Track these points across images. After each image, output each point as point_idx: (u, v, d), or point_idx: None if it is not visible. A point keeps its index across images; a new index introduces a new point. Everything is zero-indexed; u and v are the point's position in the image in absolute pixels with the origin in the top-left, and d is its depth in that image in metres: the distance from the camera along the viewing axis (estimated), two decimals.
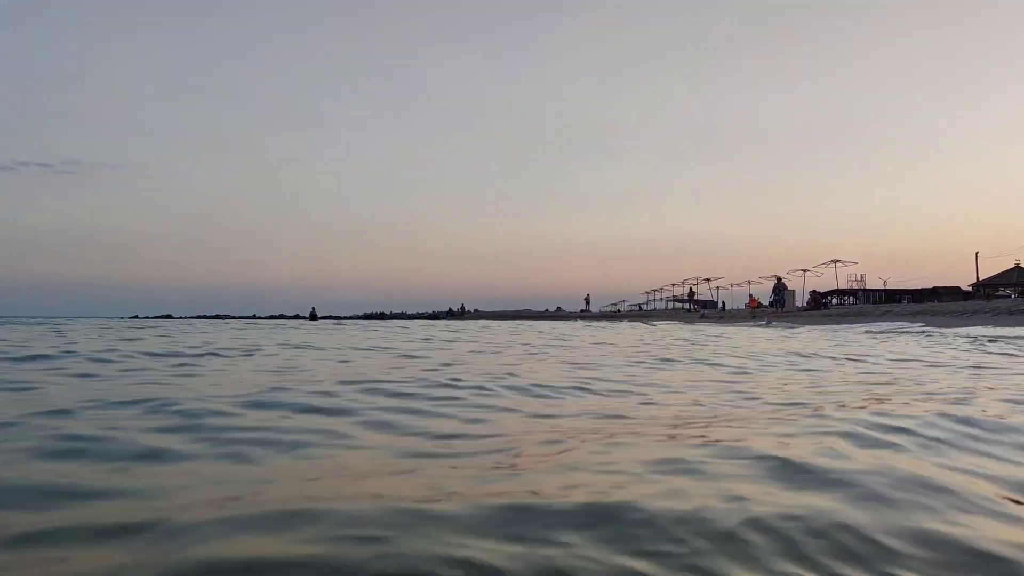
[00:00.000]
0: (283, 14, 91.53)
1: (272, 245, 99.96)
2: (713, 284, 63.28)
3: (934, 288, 51.30)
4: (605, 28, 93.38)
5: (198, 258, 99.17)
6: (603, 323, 41.79)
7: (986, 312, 29.71)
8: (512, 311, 70.25)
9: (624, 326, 32.06)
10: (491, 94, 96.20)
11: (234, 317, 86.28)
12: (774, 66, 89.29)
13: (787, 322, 33.87)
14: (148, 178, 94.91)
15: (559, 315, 66.81)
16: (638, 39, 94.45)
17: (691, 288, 62.66)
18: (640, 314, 66.90)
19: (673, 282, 69.49)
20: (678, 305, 66.51)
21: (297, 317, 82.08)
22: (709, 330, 22.75)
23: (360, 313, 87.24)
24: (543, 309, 72.34)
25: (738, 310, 52.80)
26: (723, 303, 61.73)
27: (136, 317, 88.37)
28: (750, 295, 52.03)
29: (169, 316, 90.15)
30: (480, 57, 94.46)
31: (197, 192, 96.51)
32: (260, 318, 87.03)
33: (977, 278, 49.83)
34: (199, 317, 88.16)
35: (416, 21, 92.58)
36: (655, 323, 38.21)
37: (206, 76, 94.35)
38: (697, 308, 57.44)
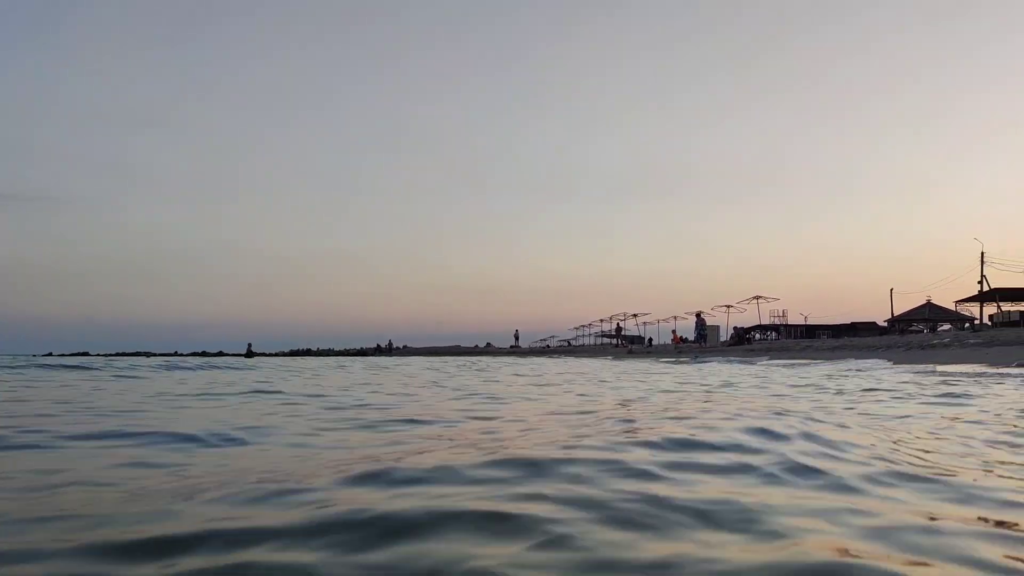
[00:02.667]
0: (225, 48, 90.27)
1: (192, 280, 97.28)
2: (640, 319, 63.92)
3: (852, 323, 52.69)
4: (532, 71, 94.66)
5: (115, 293, 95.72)
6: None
7: (900, 347, 30.48)
8: (442, 347, 69.60)
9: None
10: (419, 129, 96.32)
11: (154, 354, 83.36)
12: (701, 109, 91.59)
13: (708, 357, 34.18)
14: (63, 211, 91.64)
15: (489, 351, 66.44)
16: (569, 84, 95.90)
17: (619, 324, 63.14)
18: (569, 349, 66.97)
19: (601, 317, 69.95)
20: (606, 340, 66.84)
21: (221, 354, 79.81)
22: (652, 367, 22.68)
23: (287, 350, 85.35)
24: (473, 345, 71.89)
25: (664, 345, 53.23)
26: (650, 338, 62.25)
27: (50, 355, 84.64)
28: (673, 331, 52.90)
29: (86, 353, 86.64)
30: (416, 93, 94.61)
31: (114, 226, 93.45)
32: (183, 355, 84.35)
33: (892, 314, 51.34)
34: (118, 354, 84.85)
35: (345, 55, 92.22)
36: (599, 359, 38.14)
37: (125, 107, 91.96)
38: (625, 343, 57.75)
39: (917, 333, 42.16)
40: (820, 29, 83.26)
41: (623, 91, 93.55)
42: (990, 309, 44.81)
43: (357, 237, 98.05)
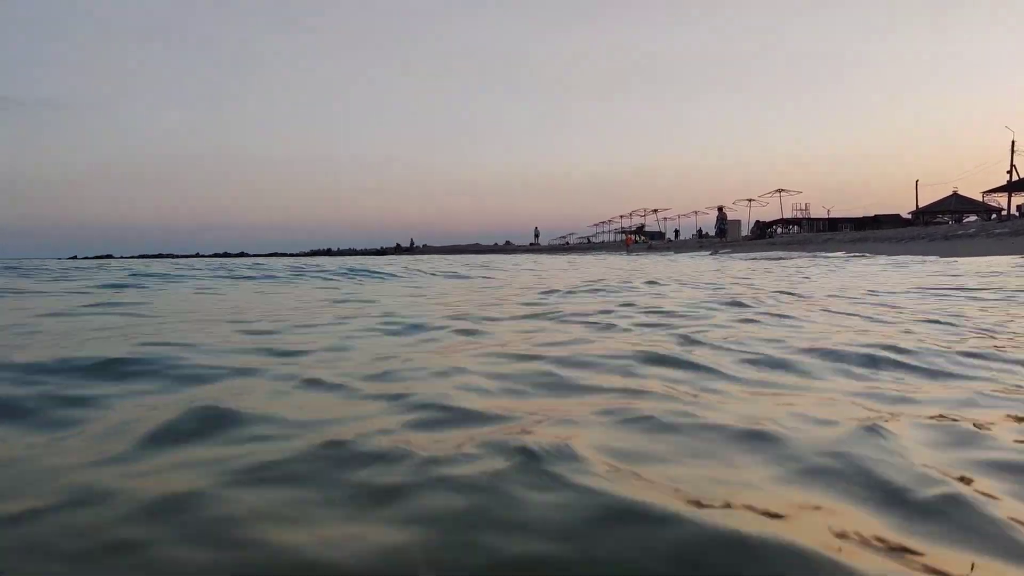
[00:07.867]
0: None
1: (212, 183, 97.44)
2: (661, 215, 63.48)
3: (875, 216, 52.08)
4: None
5: (136, 197, 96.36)
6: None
7: (922, 238, 30.18)
8: (462, 245, 69.77)
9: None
10: (431, 33, 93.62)
11: (176, 256, 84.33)
12: None
13: (730, 251, 34.05)
14: (83, 116, 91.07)
15: (508, 249, 66.54)
16: None
17: (641, 220, 62.82)
18: (589, 246, 66.94)
19: (621, 214, 69.50)
20: (625, 237, 66.66)
21: (243, 255, 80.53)
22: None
23: (307, 250, 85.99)
24: (492, 243, 71.99)
25: (684, 240, 53.06)
26: (676, 231, 62.02)
27: (75, 257, 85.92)
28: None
29: (110, 256, 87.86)
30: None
31: (134, 131, 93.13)
32: (204, 256, 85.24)
33: (917, 206, 50.65)
34: (140, 256, 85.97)
35: None
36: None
37: (145, 15, 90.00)
38: (645, 239, 57.61)
39: (941, 225, 41.61)
40: None
41: None
42: (1019, 199, 43.94)
43: (371, 139, 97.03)
